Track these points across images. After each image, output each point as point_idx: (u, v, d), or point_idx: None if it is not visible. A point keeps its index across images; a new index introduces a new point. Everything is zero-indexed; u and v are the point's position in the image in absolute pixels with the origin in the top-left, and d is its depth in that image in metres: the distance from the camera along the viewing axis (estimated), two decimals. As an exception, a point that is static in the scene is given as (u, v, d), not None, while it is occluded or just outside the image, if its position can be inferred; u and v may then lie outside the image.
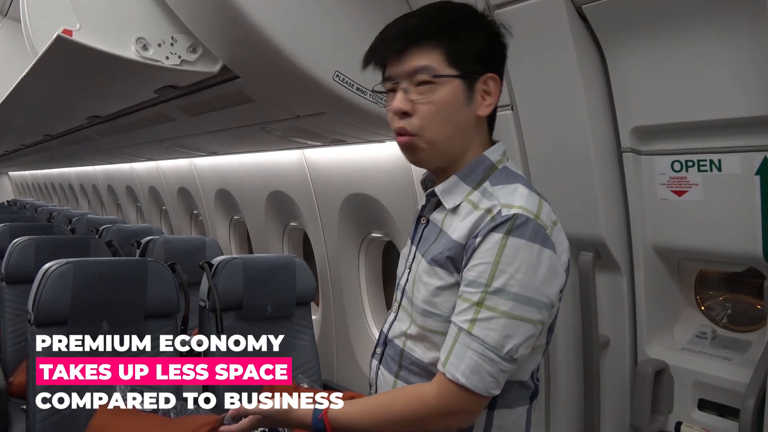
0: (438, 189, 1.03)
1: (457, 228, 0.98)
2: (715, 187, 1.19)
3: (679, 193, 1.25)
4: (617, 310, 1.40)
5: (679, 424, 1.34)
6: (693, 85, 1.14)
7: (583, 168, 1.31)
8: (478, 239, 0.93)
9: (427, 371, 1.01)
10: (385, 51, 0.98)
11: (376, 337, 1.20)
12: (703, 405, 1.31)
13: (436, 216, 1.05)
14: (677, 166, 1.23)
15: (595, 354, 1.40)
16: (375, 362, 1.11)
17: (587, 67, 1.25)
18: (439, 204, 1.05)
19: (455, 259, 0.96)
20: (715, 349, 1.34)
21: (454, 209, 1.01)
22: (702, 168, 1.19)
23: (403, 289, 1.07)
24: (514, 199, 0.95)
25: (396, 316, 1.09)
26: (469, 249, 0.95)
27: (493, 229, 0.92)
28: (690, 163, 1.21)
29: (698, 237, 1.25)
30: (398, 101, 0.97)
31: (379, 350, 1.11)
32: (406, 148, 1.00)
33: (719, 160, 1.17)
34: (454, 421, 0.96)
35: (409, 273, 1.07)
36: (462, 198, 1.01)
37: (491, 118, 1.05)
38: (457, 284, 0.97)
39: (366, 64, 1.01)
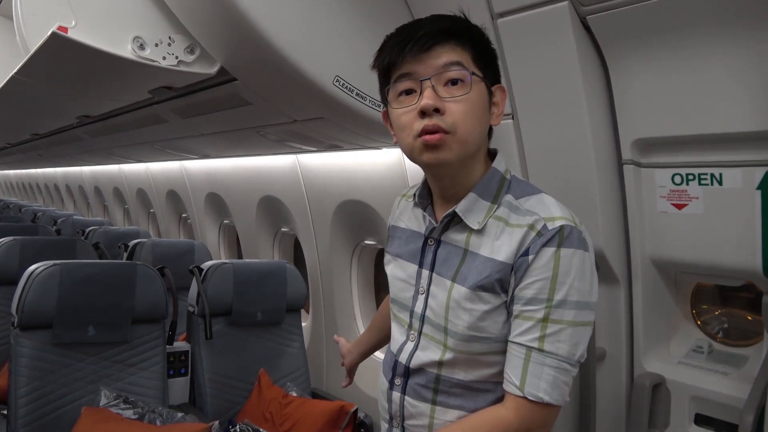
0: (459, 208, 0.99)
1: (496, 248, 0.96)
2: (715, 201, 1.19)
3: (679, 206, 1.24)
4: (614, 322, 1.39)
5: (675, 439, 1.33)
6: (695, 99, 1.14)
7: (584, 179, 1.30)
8: (531, 256, 0.93)
9: (471, 389, 1.00)
10: (412, 46, 0.93)
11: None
12: (700, 420, 1.30)
13: (454, 236, 1.01)
14: (678, 179, 1.23)
15: (592, 366, 1.39)
16: (397, 394, 1.06)
17: (590, 77, 1.24)
18: (449, 224, 1.02)
19: (503, 281, 0.95)
20: (712, 364, 1.34)
21: (480, 229, 0.98)
22: (703, 182, 1.19)
23: (422, 316, 1.03)
24: (552, 210, 0.96)
25: (417, 345, 1.04)
26: (520, 267, 0.94)
27: (545, 245, 0.92)
28: (691, 177, 1.21)
29: (697, 250, 1.24)
30: (430, 97, 0.92)
31: (398, 381, 1.06)
32: (434, 146, 0.94)
33: (720, 174, 1.17)
34: None
35: (426, 298, 1.03)
36: (485, 215, 0.99)
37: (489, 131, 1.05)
38: (504, 304, 0.96)
39: (381, 62, 0.98)
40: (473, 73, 0.94)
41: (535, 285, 0.92)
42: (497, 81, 1.01)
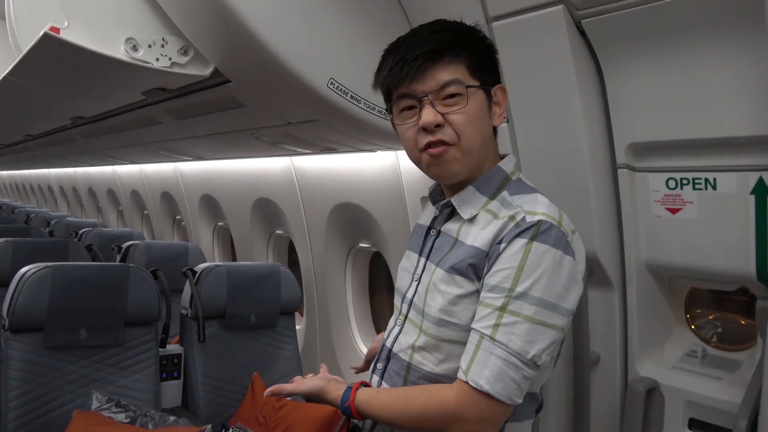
0: (455, 199, 1.03)
1: (477, 236, 0.98)
2: (709, 206, 1.18)
3: (674, 211, 1.24)
4: (609, 326, 1.39)
5: (669, 444, 1.33)
6: (690, 103, 1.14)
7: (578, 183, 1.30)
8: (503, 245, 0.93)
9: (440, 383, 1.00)
10: (408, 70, 0.96)
11: (361, 349, 1.19)
12: (694, 425, 1.30)
13: (450, 226, 1.05)
14: (672, 184, 1.23)
15: (586, 371, 1.39)
16: (376, 378, 1.09)
17: (584, 81, 1.24)
18: (451, 215, 1.06)
19: (477, 267, 0.96)
20: (706, 368, 1.34)
21: (471, 219, 1.01)
22: (697, 186, 1.19)
23: (410, 301, 1.07)
24: (537, 206, 0.97)
25: (401, 330, 1.07)
26: (492, 255, 0.94)
27: (518, 235, 0.92)
28: (685, 181, 1.21)
29: (691, 255, 1.24)
30: (430, 115, 0.96)
31: (380, 365, 1.09)
32: (439, 160, 0.98)
33: (714, 179, 1.17)
34: (474, 429, 0.94)
35: (418, 285, 1.06)
36: (479, 208, 1.01)
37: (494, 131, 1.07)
38: (477, 292, 0.96)
39: (381, 83, 1.02)
40: (469, 86, 0.96)
41: (500, 273, 0.92)
42: (497, 81, 1.03)
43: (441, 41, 0.97)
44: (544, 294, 0.91)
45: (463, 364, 0.94)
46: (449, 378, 0.99)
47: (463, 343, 0.97)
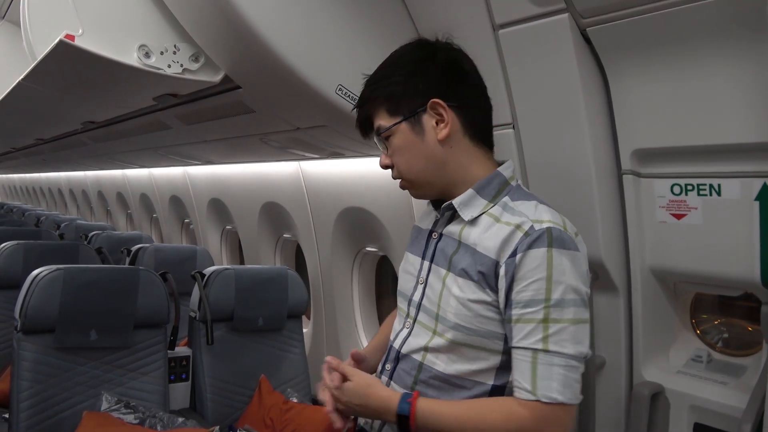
0: (456, 201, 1.06)
1: (481, 240, 1.01)
2: (714, 212, 1.19)
3: (678, 217, 1.25)
4: (614, 331, 1.39)
5: (674, 449, 1.33)
6: (694, 110, 1.15)
7: (583, 189, 1.31)
8: (518, 257, 0.95)
9: (449, 383, 1.02)
10: (361, 124, 1.12)
11: None
12: (698, 429, 1.30)
13: (451, 229, 1.08)
14: (677, 190, 1.24)
15: (591, 375, 1.40)
16: (385, 378, 1.11)
17: (589, 88, 1.25)
18: (452, 218, 1.09)
19: (487, 276, 0.98)
20: (711, 373, 1.34)
21: (472, 221, 1.04)
22: (702, 192, 1.20)
23: (419, 304, 1.08)
24: (541, 214, 1.00)
25: (410, 332, 1.09)
26: (508, 269, 0.96)
27: (532, 246, 0.95)
28: (690, 187, 1.22)
29: (696, 260, 1.25)
30: (381, 159, 1.11)
31: (389, 366, 1.10)
32: (404, 188, 1.13)
33: (719, 185, 1.18)
34: None
35: (424, 288, 1.08)
36: (480, 210, 1.05)
37: (487, 135, 1.10)
38: (490, 303, 0.98)
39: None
40: (385, 130, 1.06)
41: (531, 287, 0.94)
42: (426, 98, 1.05)
43: (363, 96, 1.10)
44: (575, 294, 0.95)
45: (525, 384, 0.94)
46: (460, 378, 1.01)
47: (476, 348, 1.00)
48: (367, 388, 1.03)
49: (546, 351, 0.93)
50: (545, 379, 0.93)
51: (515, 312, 0.96)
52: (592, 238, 1.32)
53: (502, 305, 0.98)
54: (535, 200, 1.04)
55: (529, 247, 0.95)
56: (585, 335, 0.96)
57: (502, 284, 0.97)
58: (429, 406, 0.99)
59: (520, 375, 0.95)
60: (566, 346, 0.93)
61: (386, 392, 1.02)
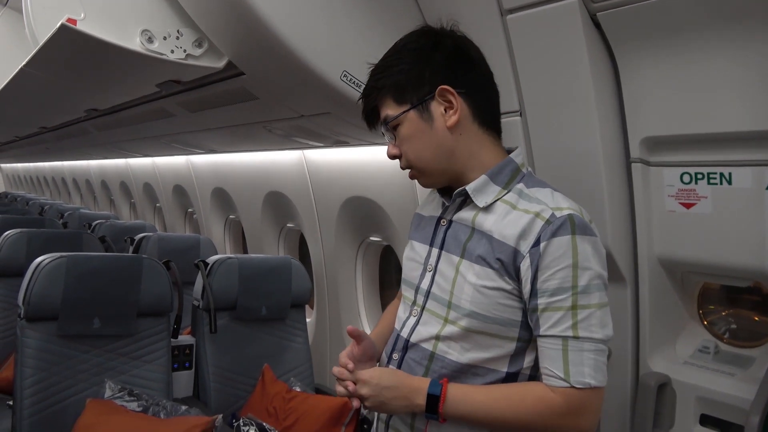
0: (469, 188, 1.05)
1: (498, 227, 1.00)
2: (724, 201, 1.17)
3: (688, 206, 1.23)
4: (620, 321, 1.38)
5: (680, 440, 1.32)
6: (705, 98, 1.13)
7: (592, 177, 1.29)
8: (542, 245, 0.95)
9: (461, 372, 1.01)
10: (367, 115, 1.11)
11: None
12: (705, 420, 1.30)
13: (463, 215, 1.06)
14: (686, 178, 1.22)
15: (597, 365, 1.39)
16: (392, 367, 1.09)
17: (599, 75, 1.23)
18: (462, 204, 1.07)
19: (506, 264, 0.98)
20: (718, 364, 1.33)
21: (487, 208, 1.03)
22: (712, 181, 1.18)
23: (427, 292, 1.07)
24: (559, 201, 1.00)
25: (419, 320, 1.07)
26: (533, 258, 0.96)
27: (556, 234, 0.95)
28: (700, 176, 1.20)
29: (705, 250, 1.23)
30: (389, 149, 1.09)
31: (396, 355, 1.09)
32: (413, 178, 1.11)
33: (729, 174, 1.16)
34: (587, 421, 0.97)
35: (433, 275, 1.07)
36: (494, 197, 1.04)
37: (495, 121, 1.09)
38: (509, 292, 0.98)
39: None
40: (393, 119, 1.05)
41: (557, 275, 0.95)
42: (434, 85, 1.04)
43: (369, 86, 1.08)
44: (599, 279, 0.97)
45: (557, 371, 0.95)
46: (474, 367, 1.01)
47: (491, 335, 0.99)
48: (395, 372, 1.04)
49: (576, 338, 0.94)
50: (577, 365, 0.94)
51: (542, 301, 0.96)
52: (600, 227, 1.30)
53: (526, 295, 0.98)
54: (549, 187, 1.03)
55: (553, 235, 0.95)
56: (609, 318, 0.98)
57: (527, 275, 0.96)
58: (461, 390, 1.00)
59: (551, 363, 0.96)
60: (595, 331, 0.95)
61: (415, 377, 1.03)
